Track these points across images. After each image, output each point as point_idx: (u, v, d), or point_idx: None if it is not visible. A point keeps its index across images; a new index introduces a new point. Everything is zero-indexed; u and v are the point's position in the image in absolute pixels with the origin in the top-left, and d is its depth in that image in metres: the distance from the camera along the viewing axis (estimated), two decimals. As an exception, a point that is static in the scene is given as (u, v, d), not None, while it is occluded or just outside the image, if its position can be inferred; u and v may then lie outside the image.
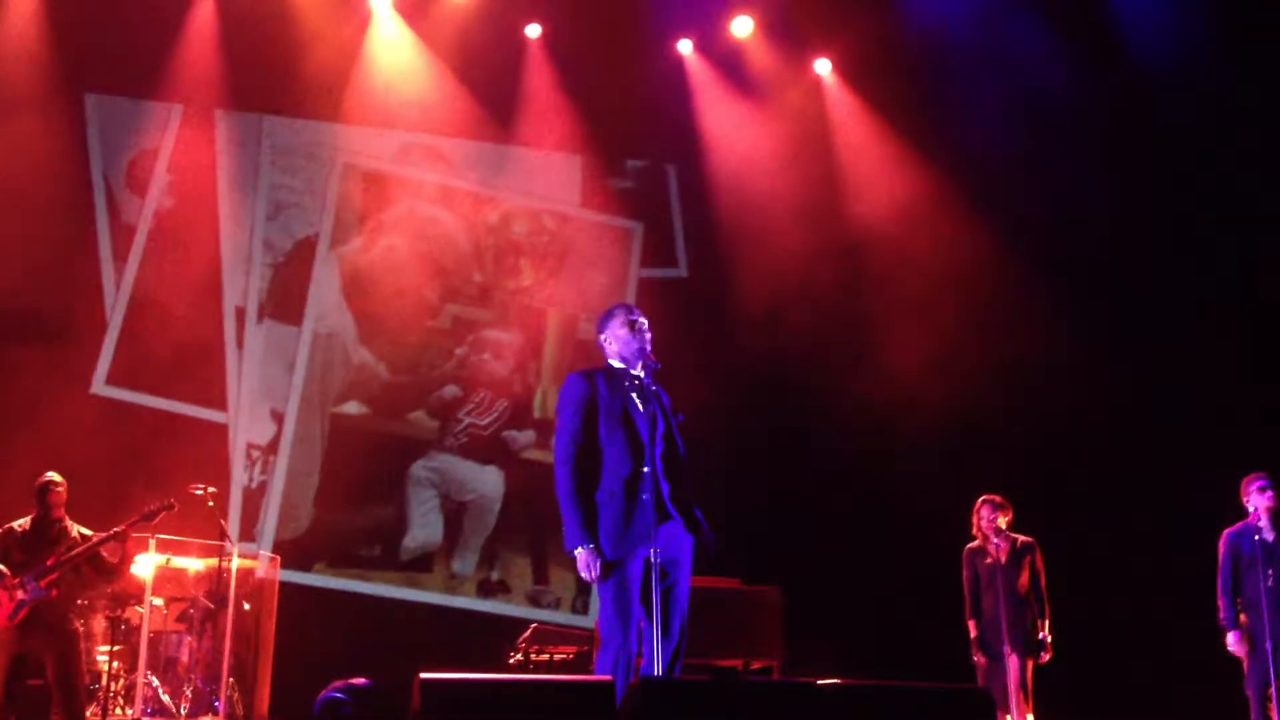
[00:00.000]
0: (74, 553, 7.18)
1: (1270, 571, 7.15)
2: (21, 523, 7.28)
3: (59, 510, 7.29)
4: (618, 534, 5.07)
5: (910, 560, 9.29)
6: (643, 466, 5.08)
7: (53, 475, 7.33)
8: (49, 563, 7.11)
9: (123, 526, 7.31)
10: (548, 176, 10.82)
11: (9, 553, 7.16)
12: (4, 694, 7.05)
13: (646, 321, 5.32)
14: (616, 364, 5.33)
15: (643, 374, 5.20)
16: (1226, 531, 7.51)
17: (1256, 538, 7.22)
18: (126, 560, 7.46)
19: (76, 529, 7.33)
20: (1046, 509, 8.35)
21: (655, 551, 4.90)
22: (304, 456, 9.79)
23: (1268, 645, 7.04)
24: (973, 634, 7.72)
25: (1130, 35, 10.44)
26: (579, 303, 10.52)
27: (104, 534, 7.28)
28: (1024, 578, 7.62)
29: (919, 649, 8.49)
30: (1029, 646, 7.54)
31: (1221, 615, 7.40)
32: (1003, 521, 7.74)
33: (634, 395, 5.20)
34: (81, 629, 7.52)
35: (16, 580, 7.03)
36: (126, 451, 9.17)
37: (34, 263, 9.23)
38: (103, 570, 7.38)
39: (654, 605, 4.87)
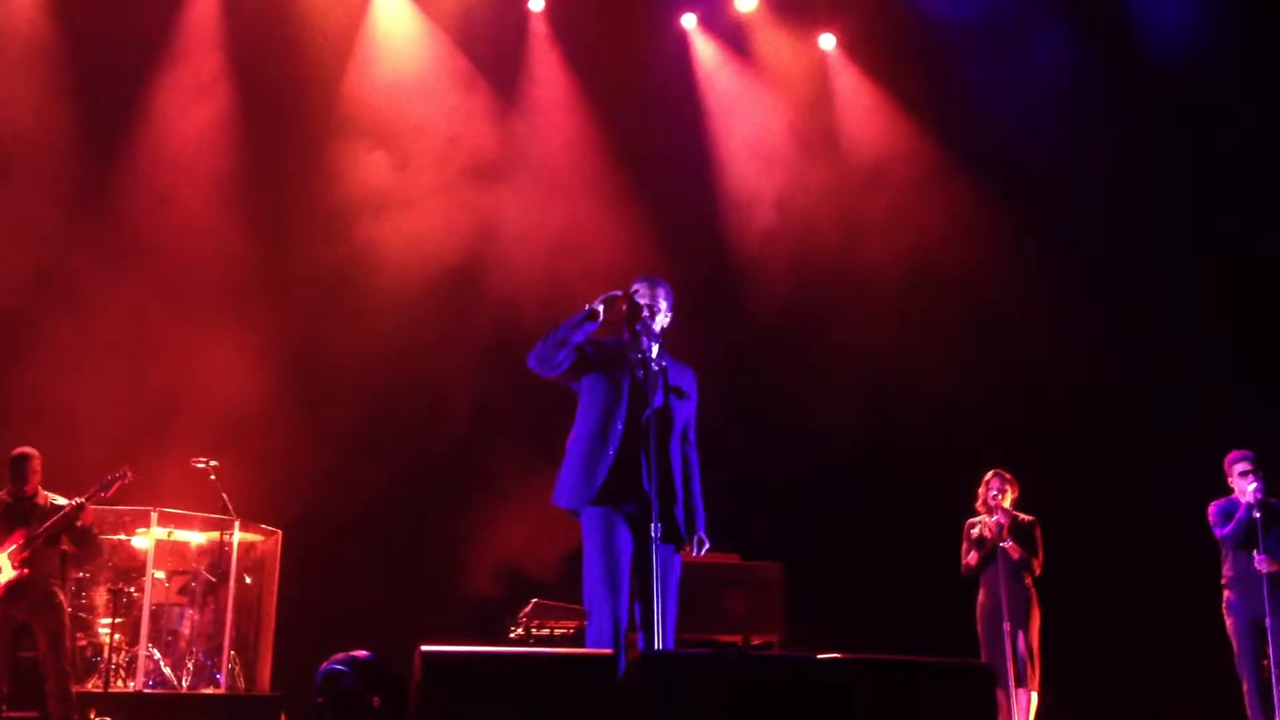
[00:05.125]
0: (41, 529, 7.16)
1: (1262, 543, 7.16)
2: None
3: (33, 484, 7.28)
4: (576, 482, 5.08)
5: (911, 535, 9.30)
6: (615, 422, 5.06)
7: (27, 449, 7.32)
8: (20, 540, 7.11)
9: (81, 499, 7.26)
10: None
11: None
12: (4, 666, 7.09)
13: (650, 293, 5.24)
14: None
15: (644, 345, 5.17)
16: (1213, 505, 7.51)
17: (1256, 515, 7.23)
18: (90, 531, 7.41)
19: (51, 499, 7.33)
20: (1046, 485, 8.34)
21: (655, 526, 4.87)
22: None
23: (1268, 623, 7.06)
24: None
25: (1137, 14, 10.41)
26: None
27: (65, 509, 7.22)
28: (1021, 553, 7.62)
29: (920, 624, 8.50)
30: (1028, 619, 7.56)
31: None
32: (1007, 499, 7.74)
33: (636, 366, 5.16)
34: (66, 603, 7.48)
35: None
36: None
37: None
38: (79, 539, 7.34)
39: (653, 582, 4.84)
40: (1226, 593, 7.41)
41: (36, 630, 7.12)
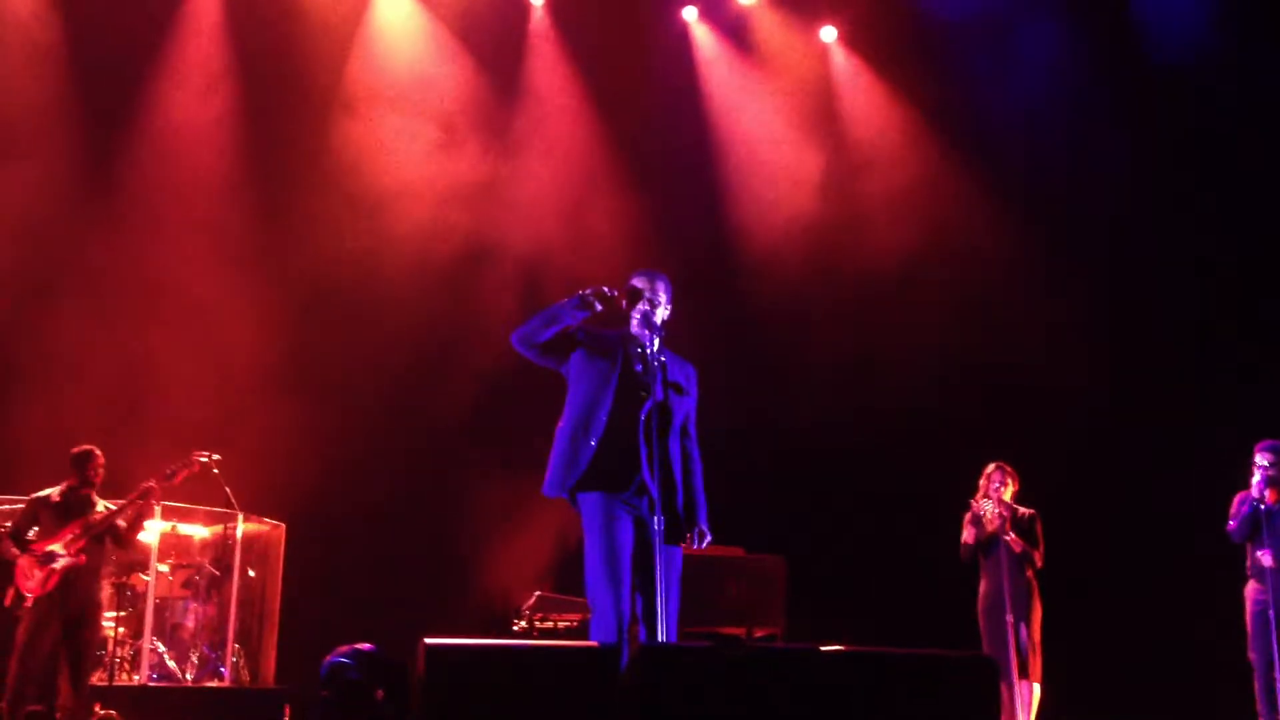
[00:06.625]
0: (103, 516, 7.27)
1: (1269, 540, 7.13)
2: (51, 491, 7.35)
3: (95, 484, 7.36)
4: (558, 470, 5.09)
5: (913, 529, 9.30)
6: (599, 413, 5.06)
7: (91, 447, 7.38)
8: (78, 529, 7.19)
9: (151, 483, 7.34)
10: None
11: (38, 519, 7.25)
12: (62, 658, 7.15)
13: (649, 286, 5.23)
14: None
15: (644, 339, 5.17)
16: (1239, 495, 7.47)
17: (1262, 506, 7.21)
18: (137, 526, 7.50)
19: (101, 502, 7.39)
20: (1046, 478, 8.33)
21: (658, 519, 4.87)
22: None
23: (1271, 614, 7.05)
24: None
25: (1138, 9, 10.42)
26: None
27: (133, 496, 7.34)
28: (1022, 546, 7.61)
29: (922, 617, 8.51)
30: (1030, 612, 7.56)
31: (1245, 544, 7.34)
32: (1008, 492, 7.73)
33: (634, 359, 5.16)
34: (104, 606, 7.60)
35: (46, 549, 7.11)
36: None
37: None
38: (118, 540, 7.44)
39: (655, 575, 4.84)
40: (1249, 582, 7.38)
41: (73, 624, 7.17)
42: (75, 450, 7.37)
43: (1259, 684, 7.20)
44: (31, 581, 7.09)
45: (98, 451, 7.39)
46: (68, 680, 7.14)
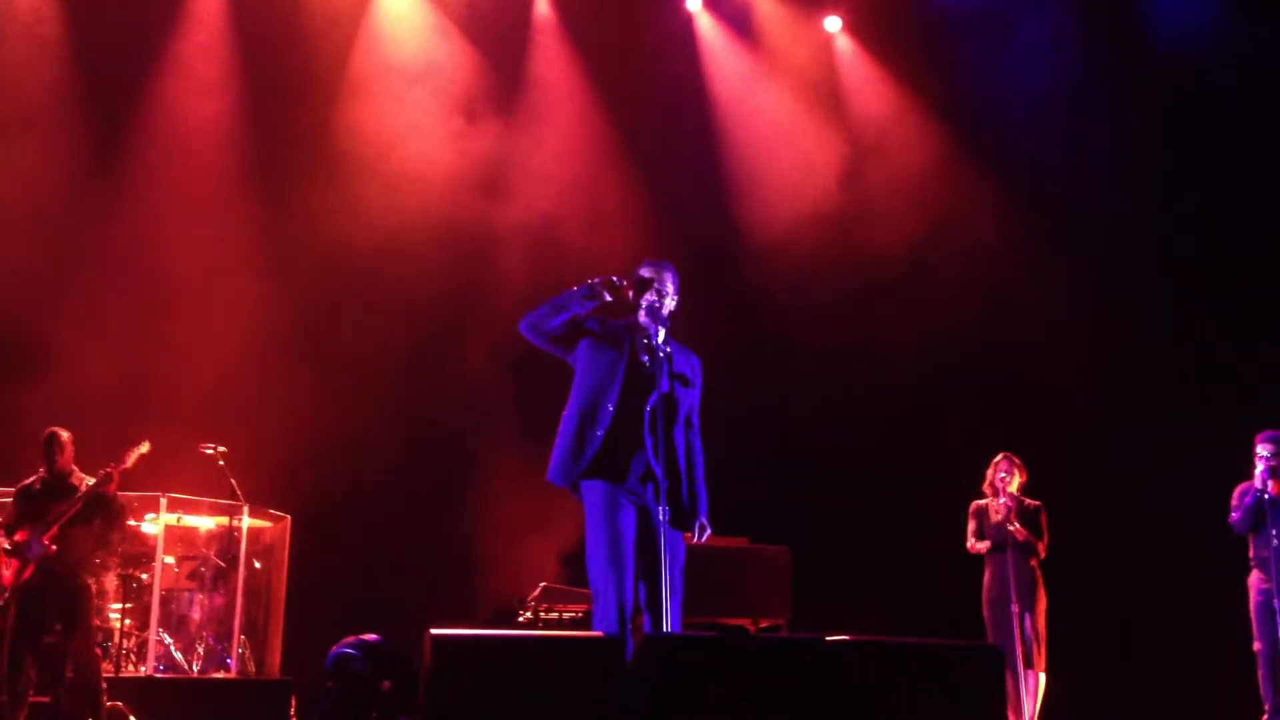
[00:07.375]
0: (67, 503, 7.14)
1: (1275, 530, 7.12)
2: (32, 480, 7.29)
3: (63, 465, 7.28)
4: (564, 459, 5.10)
5: (918, 518, 9.30)
6: (606, 403, 5.07)
7: (55, 428, 7.31)
8: (50, 517, 7.12)
9: (107, 469, 7.25)
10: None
11: (21, 512, 7.19)
12: (34, 652, 7.11)
13: (656, 277, 5.23)
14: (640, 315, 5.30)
15: (650, 330, 5.16)
16: (1240, 486, 7.46)
17: (1266, 497, 7.20)
18: (117, 503, 7.36)
19: (87, 481, 7.31)
20: (1047, 476, 8.32)
21: (663, 510, 4.88)
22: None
23: (1276, 603, 7.04)
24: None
25: (1139, 4, 10.42)
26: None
27: (95, 482, 7.23)
28: (1026, 535, 7.60)
29: (928, 606, 8.51)
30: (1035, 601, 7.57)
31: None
32: (1014, 483, 7.72)
33: (640, 350, 5.17)
34: (94, 586, 7.52)
35: (17, 540, 7.09)
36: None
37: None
38: (109, 516, 7.31)
39: (659, 565, 4.84)
40: (1253, 572, 7.38)
41: (64, 616, 7.13)
42: (44, 434, 7.25)
43: (1263, 673, 7.21)
44: (8, 571, 7.06)
45: (58, 435, 7.23)
46: (74, 676, 7.10)
